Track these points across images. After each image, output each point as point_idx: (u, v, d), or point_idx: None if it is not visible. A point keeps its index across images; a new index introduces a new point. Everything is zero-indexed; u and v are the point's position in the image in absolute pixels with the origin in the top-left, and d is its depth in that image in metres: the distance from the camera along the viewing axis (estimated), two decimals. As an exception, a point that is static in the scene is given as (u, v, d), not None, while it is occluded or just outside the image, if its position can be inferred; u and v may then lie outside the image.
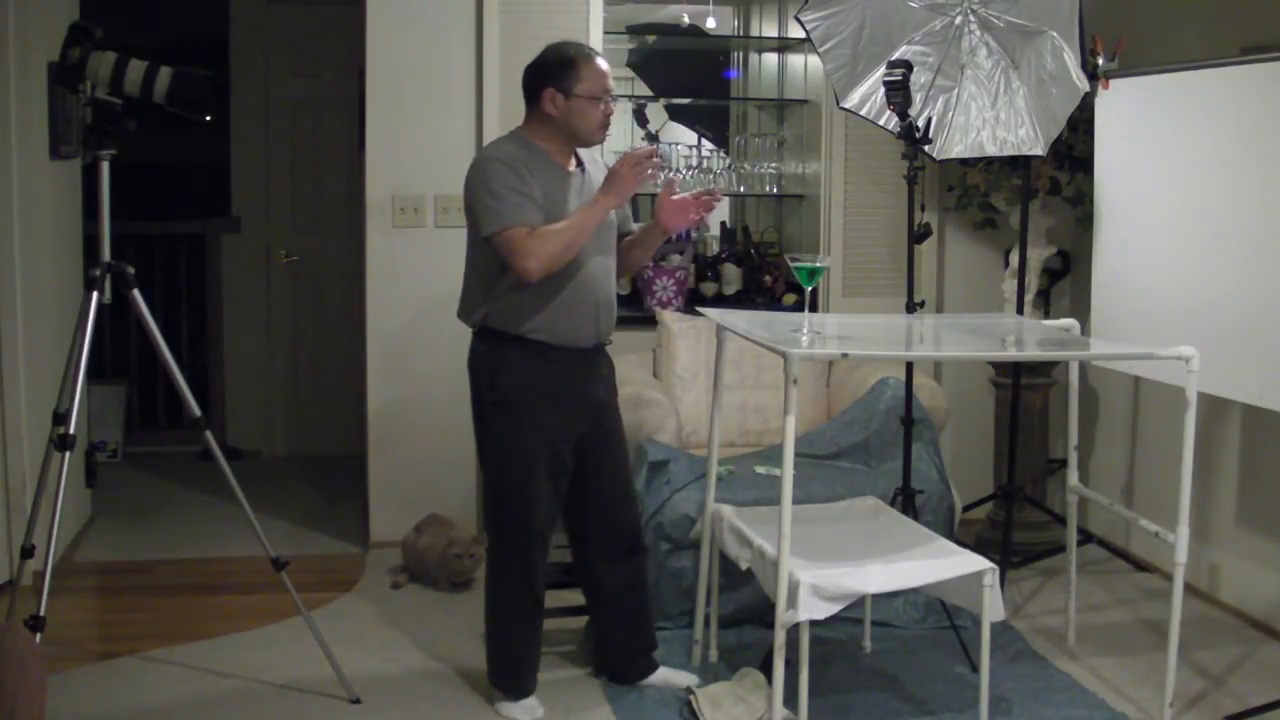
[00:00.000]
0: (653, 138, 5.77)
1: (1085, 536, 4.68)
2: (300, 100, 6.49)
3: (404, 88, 4.90)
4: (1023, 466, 4.79)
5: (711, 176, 5.45)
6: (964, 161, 4.75)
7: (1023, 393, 4.74)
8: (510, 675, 3.58)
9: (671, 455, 4.23)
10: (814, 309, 4.09)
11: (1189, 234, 3.91)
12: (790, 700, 3.22)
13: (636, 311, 5.11)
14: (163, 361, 3.49)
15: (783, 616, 3.11)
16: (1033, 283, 4.89)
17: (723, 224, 5.82)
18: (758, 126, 5.87)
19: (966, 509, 4.79)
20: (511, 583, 3.53)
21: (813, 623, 3.15)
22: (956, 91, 4.32)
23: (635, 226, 3.69)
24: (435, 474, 4.99)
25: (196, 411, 3.54)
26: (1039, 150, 4.27)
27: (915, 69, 4.02)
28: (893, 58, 4.07)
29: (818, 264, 3.55)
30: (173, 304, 6.71)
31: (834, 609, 3.13)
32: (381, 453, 5.04)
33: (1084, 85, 4.12)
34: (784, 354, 3.08)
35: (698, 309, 4.33)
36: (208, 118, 3.46)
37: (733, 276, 5.43)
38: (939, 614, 4.10)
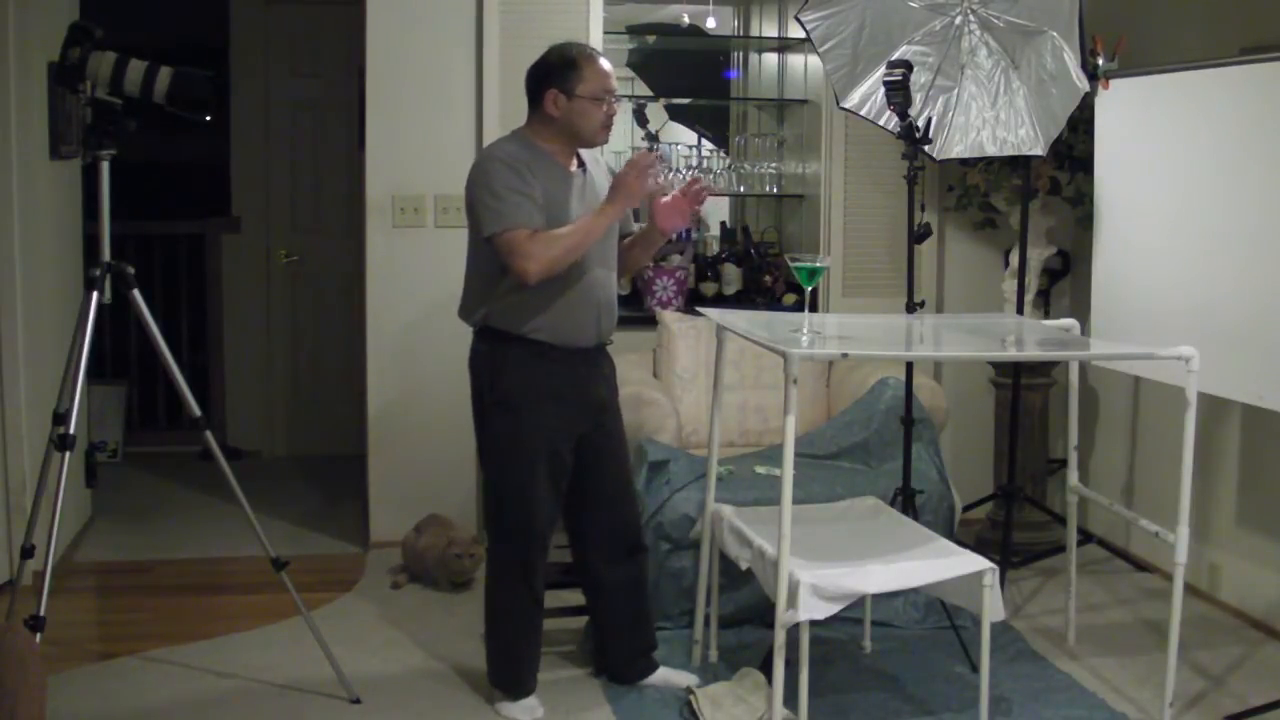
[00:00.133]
0: (653, 138, 5.77)
1: (1085, 536, 4.68)
2: (300, 100, 6.48)
3: (404, 88, 4.90)
4: (1023, 466, 4.79)
5: (711, 176, 5.45)
6: (964, 161, 4.75)
7: (1023, 393, 4.75)
8: (510, 675, 3.58)
9: (671, 455, 4.23)
10: (814, 309, 4.09)
11: (1189, 234, 3.91)
12: (790, 700, 3.22)
13: (636, 311, 5.11)
14: (163, 361, 3.49)
15: (783, 616, 3.11)
16: (1033, 283, 4.89)
17: (723, 224, 5.83)
18: (758, 126, 5.87)
19: (966, 509, 4.79)
20: (511, 583, 3.53)
21: (813, 623, 3.15)
22: (956, 91, 4.32)
23: (636, 227, 3.69)
24: (435, 474, 4.99)
25: (196, 411, 3.54)
26: (1039, 150, 4.27)
27: (915, 69, 4.02)
28: (893, 58, 4.07)
29: (818, 264, 3.55)
30: (173, 304, 6.71)
31: (834, 609, 3.13)
32: (381, 453, 5.04)
33: (1084, 85, 4.13)
34: (784, 354, 3.08)
35: (698, 309, 4.33)
36: (208, 118, 3.46)
37: (733, 276, 5.43)
38: (939, 614, 4.10)
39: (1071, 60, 4.13)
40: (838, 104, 4.47)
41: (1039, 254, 4.90)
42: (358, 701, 3.60)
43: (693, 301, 5.15)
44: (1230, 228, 3.73)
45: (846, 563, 3.27)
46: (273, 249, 6.52)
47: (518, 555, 3.52)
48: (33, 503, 3.49)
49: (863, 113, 4.42)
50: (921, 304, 4.17)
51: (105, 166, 3.34)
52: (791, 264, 3.52)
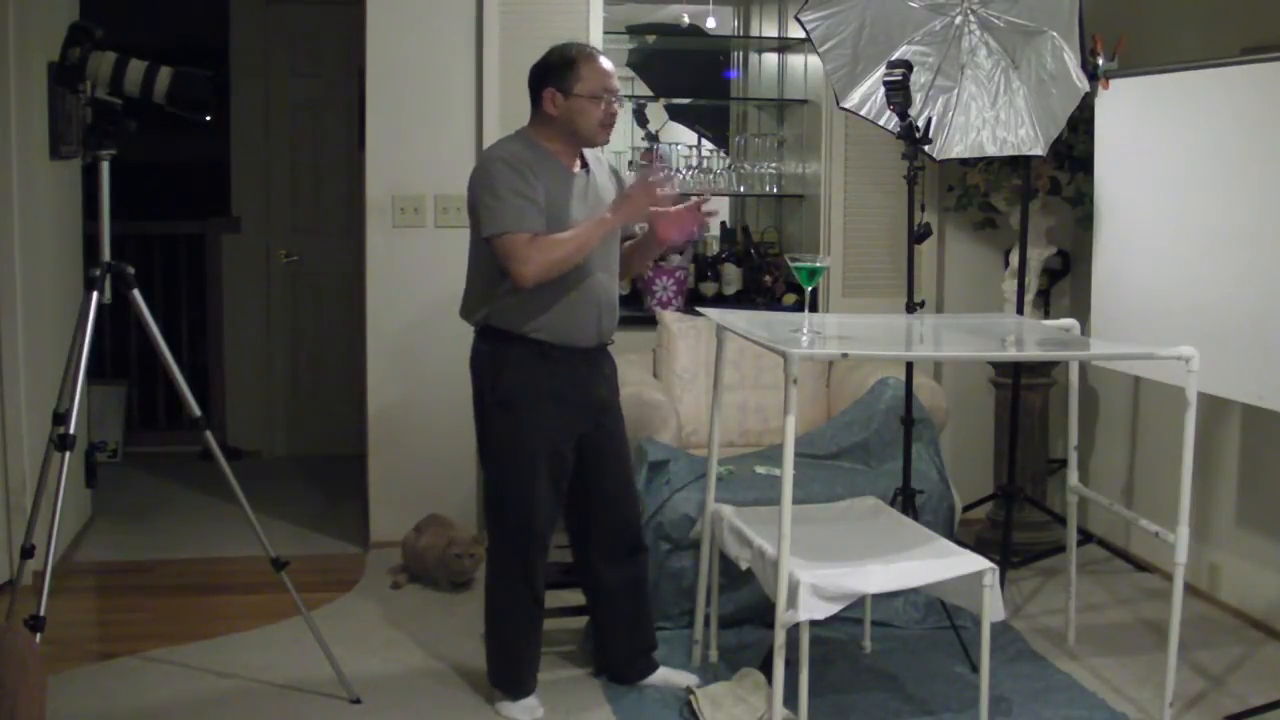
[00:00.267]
0: (653, 138, 5.77)
1: (1085, 536, 4.68)
2: (300, 100, 6.48)
3: (404, 88, 4.90)
4: (1023, 466, 4.79)
5: (711, 176, 5.45)
6: (964, 161, 4.75)
7: (1023, 393, 4.75)
8: (510, 675, 3.59)
9: (671, 455, 4.23)
10: (814, 309, 4.09)
11: (1189, 234, 3.91)
12: (790, 700, 3.22)
13: (636, 311, 5.11)
14: (163, 361, 3.49)
15: (783, 616, 3.11)
16: (1033, 283, 4.89)
17: (723, 224, 5.82)
18: (758, 126, 5.87)
19: (966, 509, 4.79)
20: (511, 582, 3.53)
21: (813, 623, 3.15)
22: (956, 91, 4.32)
23: (638, 229, 3.69)
24: (435, 474, 4.99)
25: (196, 411, 3.54)
26: (1039, 150, 4.27)
27: (915, 69, 4.02)
28: (893, 58, 4.07)
29: (818, 264, 3.55)
30: (173, 304, 6.71)
31: (834, 609, 3.13)
32: (381, 453, 5.04)
33: (1084, 85, 4.13)
34: (784, 354, 3.08)
35: (698, 309, 4.33)
36: (208, 118, 3.46)
37: (733, 276, 5.43)
38: (939, 614, 4.10)
39: (1071, 60, 4.13)
40: (838, 104, 4.47)
41: (1039, 254, 4.90)
42: (358, 701, 3.60)
43: (693, 301, 5.15)
44: (1230, 228, 3.73)
45: (846, 563, 3.27)
46: (273, 249, 6.52)
47: (518, 555, 3.52)
48: (33, 503, 3.49)
49: (863, 113, 4.41)
50: (921, 304, 4.17)
51: (105, 166, 3.34)
52: (791, 264, 3.52)
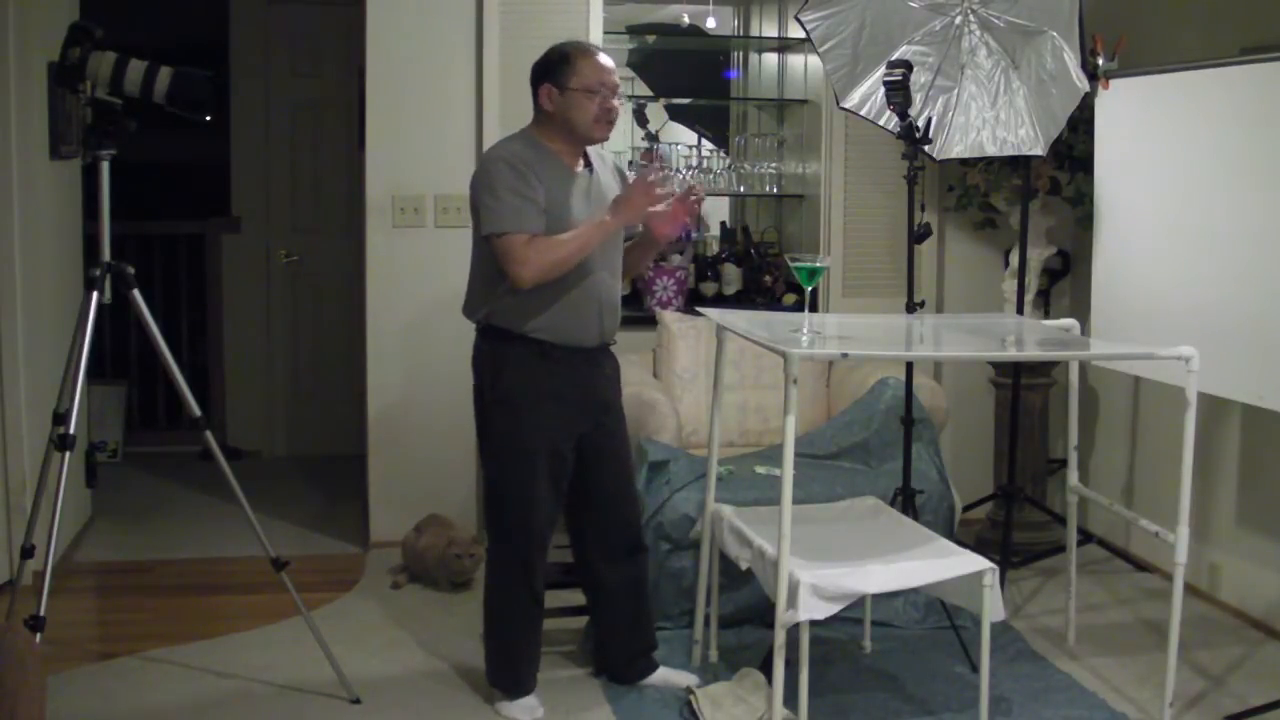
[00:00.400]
0: (653, 138, 5.77)
1: (1085, 536, 4.68)
2: (300, 100, 6.48)
3: (404, 88, 4.90)
4: (1023, 466, 4.79)
5: (711, 176, 5.45)
6: (964, 161, 4.75)
7: (1023, 393, 4.75)
8: (509, 675, 3.59)
9: (671, 455, 4.23)
10: (814, 309, 4.09)
11: (1189, 234, 3.91)
12: (790, 700, 3.22)
13: (636, 311, 5.11)
14: (163, 361, 3.49)
15: (783, 616, 3.11)
16: (1033, 283, 4.89)
17: (723, 224, 5.82)
18: (758, 126, 5.87)
19: (966, 509, 4.79)
20: (511, 582, 3.53)
21: (813, 623, 3.15)
22: (956, 91, 4.32)
23: (639, 228, 3.69)
24: (435, 474, 4.99)
25: (196, 411, 3.54)
26: (1039, 150, 4.27)
27: (915, 69, 4.02)
28: (893, 58, 4.07)
29: (818, 264, 3.55)
30: (173, 304, 6.71)
31: (834, 609, 3.13)
32: (381, 453, 5.04)
33: (1084, 85, 4.13)
34: (784, 354, 3.08)
35: (698, 309, 4.33)
36: (208, 118, 3.46)
37: (733, 276, 5.43)
38: (939, 614, 4.10)
39: (1071, 60, 4.13)
40: (838, 104, 4.47)
41: (1039, 254, 4.90)
42: (358, 701, 3.60)
43: (693, 301, 5.15)
44: (1230, 228, 3.73)
45: (846, 563, 3.27)
46: (273, 249, 6.52)
47: (517, 555, 3.52)
48: (33, 503, 3.49)
49: (863, 113, 4.41)
50: (921, 304, 4.17)
51: (105, 166, 3.34)
52: (791, 264, 3.52)
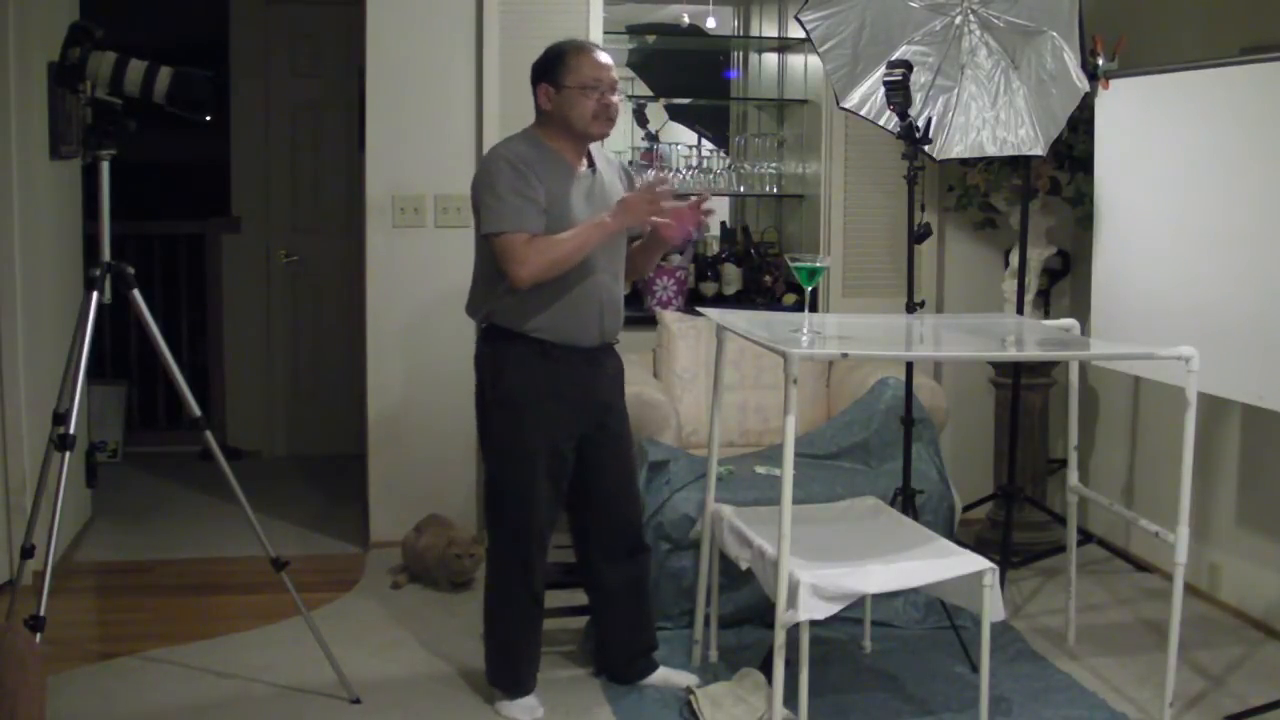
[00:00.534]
0: (653, 138, 5.77)
1: (1085, 536, 4.68)
2: (300, 100, 6.48)
3: (404, 88, 4.90)
4: (1023, 466, 4.79)
5: (711, 176, 5.45)
6: (964, 161, 4.75)
7: (1023, 393, 4.75)
8: (509, 674, 3.59)
9: (671, 455, 4.23)
10: (814, 309, 4.10)
11: (1189, 234, 3.91)
12: (790, 700, 3.22)
13: (636, 311, 5.10)
14: (163, 361, 3.49)
15: (783, 616, 3.11)
16: (1033, 283, 4.89)
17: (723, 224, 5.82)
18: (758, 126, 5.87)
19: (966, 509, 4.79)
20: (510, 582, 3.54)
21: (813, 623, 3.15)
22: (956, 91, 4.32)
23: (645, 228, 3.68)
24: (435, 474, 4.99)
25: (196, 411, 3.54)
26: (1039, 150, 4.27)
27: (915, 69, 4.02)
28: (893, 58, 4.07)
29: (818, 264, 3.55)
30: (173, 304, 6.71)
31: (834, 609, 3.13)
32: (381, 453, 5.04)
33: (1084, 85, 4.13)
34: (784, 354, 3.08)
35: (698, 309, 4.33)
36: (208, 118, 3.46)
37: (733, 276, 5.43)
38: (939, 614, 4.10)
39: (1071, 60, 4.13)
40: (838, 104, 4.47)
41: (1039, 254, 4.90)
42: (358, 701, 3.60)
43: (693, 301, 5.15)
44: (1230, 228, 3.73)
45: (846, 563, 3.27)
46: (273, 249, 6.52)
47: (517, 554, 3.52)
48: (33, 503, 3.50)
49: (863, 113, 4.42)
50: (921, 304, 4.17)
51: (105, 166, 3.35)
52: (791, 264, 3.52)
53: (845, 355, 3.29)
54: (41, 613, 3.15)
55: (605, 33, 4.98)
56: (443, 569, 4.50)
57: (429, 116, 4.92)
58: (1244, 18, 4.21)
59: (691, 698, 3.56)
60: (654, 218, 3.43)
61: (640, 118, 5.75)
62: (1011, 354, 4.24)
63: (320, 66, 6.44)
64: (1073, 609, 4.09)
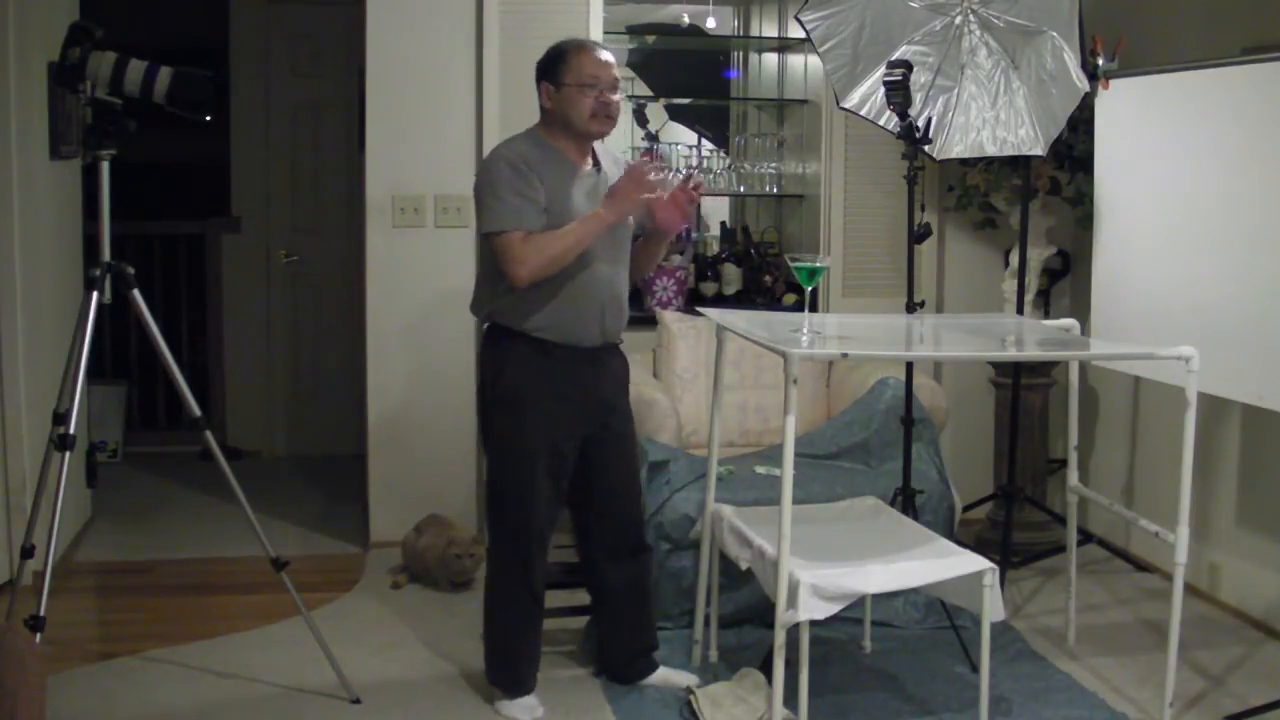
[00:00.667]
0: (653, 138, 5.77)
1: (1085, 536, 4.68)
2: (300, 100, 6.49)
3: (404, 88, 4.90)
4: (1023, 466, 4.79)
5: (711, 176, 5.45)
6: (964, 161, 4.75)
7: (1023, 393, 4.75)
8: (509, 674, 3.59)
9: (671, 455, 4.23)
10: (814, 309, 4.10)
11: (1189, 234, 3.91)
12: (790, 700, 3.22)
13: (637, 311, 5.04)
14: (163, 361, 3.49)
15: (783, 616, 3.11)
16: (1033, 283, 4.89)
17: (723, 224, 5.83)
18: (758, 126, 5.87)
19: (966, 509, 4.79)
20: (510, 581, 3.54)
21: (813, 623, 3.15)
22: (956, 91, 4.32)
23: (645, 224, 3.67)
24: (435, 474, 4.99)
25: (196, 411, 3.54)
26: (1039, 150, 4.27)
27: (915, 69, 4.02)
28: (893, 58, 4.07)
29: (818, 264, 3.55)
30: (173, 304, 6.71)
31: (834, 609, 3.13)
32: (381, 453, 5.04)
33: (1084, 85, 4.13)
34: (784, 354, 3.07)
35: (698, 309, 4.33)
36: (208, 118, 3.46)
37: (733, 276, 5.43)
38: (939, 614, 4.10)
39: (1071, 60, 4.13)
40: (838, 104, 4.47)
41: (1039, 254, 4.90)
42: (358, 701, 3.60)
43: (693, 301, 5.15)
44: (1230, 227, 3.73)
45: (846, 563, 3.27)
46: (273, 249, 6.52)
47: (517, 553, 3.52)
48: (33, 503, 3.50)
49: (863, 113, 4.41)
50: (921, 304, 4.17)
51: (105, 166, 3.34)
52: (791, 264, 3.52)
53: (845, 355, 3.29)
54: (41, 613, 3.15)
55: (605, 33, 4.98)
56: (443, 569, 4.50)
57: (429, 116, 4.92)
58: (1244, 18, 4.21)
59: (691, 698, 3.56)
60: (646, 197, 3.39)
61: (640, 118, 5.75)
62: (1011, 354, 4.24)
63: (320, 66, 6.44)
64: (1073, 609, 4.09)
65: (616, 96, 3.46)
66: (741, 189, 5.58)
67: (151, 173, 6.71)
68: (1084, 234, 4.78)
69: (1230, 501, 4.42)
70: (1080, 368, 4.24)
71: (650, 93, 5.81)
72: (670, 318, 4.92)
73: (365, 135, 4.95)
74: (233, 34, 6.48)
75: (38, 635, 3.07)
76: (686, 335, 4.81)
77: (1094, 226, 4.42)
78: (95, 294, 3.31)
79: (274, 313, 6.58)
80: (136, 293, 3.41)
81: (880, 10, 4.33)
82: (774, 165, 5.57)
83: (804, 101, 5.49)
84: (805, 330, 3.42)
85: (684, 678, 3.71)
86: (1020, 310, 4.65)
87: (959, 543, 3.62)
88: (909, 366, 4.20)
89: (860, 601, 3.61)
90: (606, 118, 3.45)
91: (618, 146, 5.04)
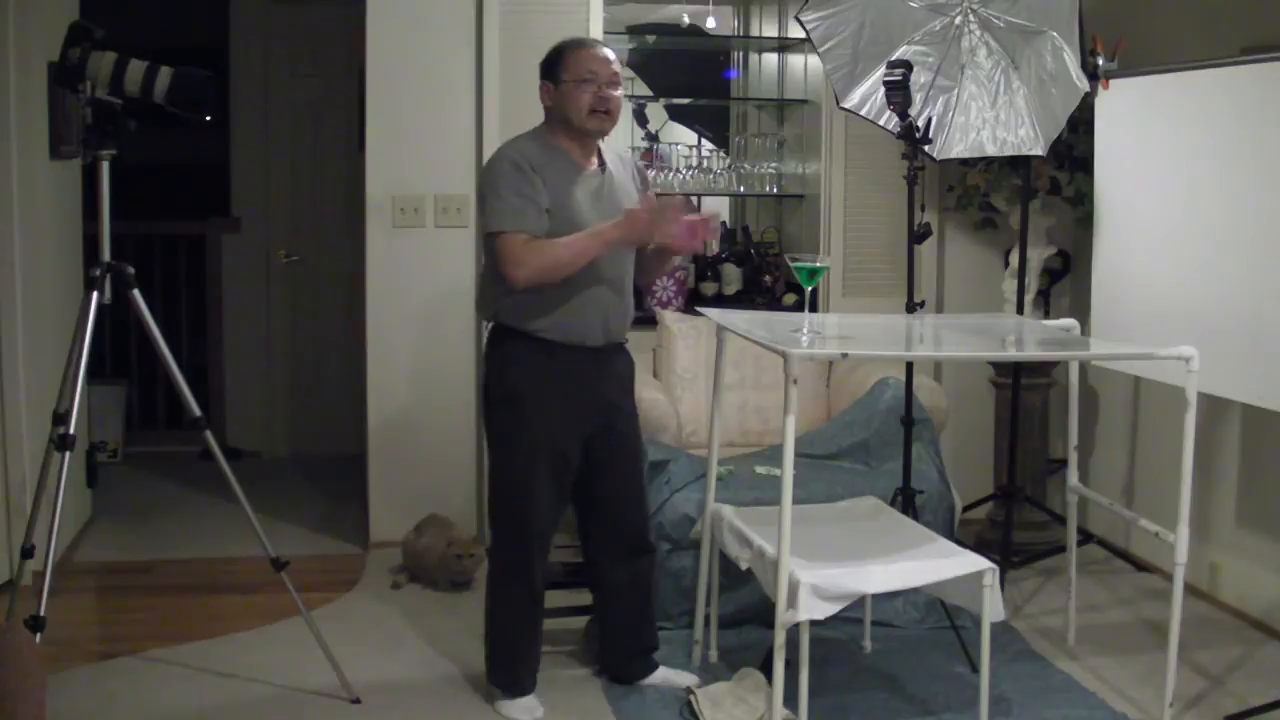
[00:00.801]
0: (653, 138, 5.77)
1: (1085, 536, 4.68)
2: (300, 100, 6.49)
3: (404, 88, 4.89)
4: (1023, 466, 4.79)
5: (711, 176, 5.46)
6: (964, 161, 4.75)
7: (1023, 393, 4.75)
8: (509, 673, 3.58)
9: (671, 455, 4.23)
10: (814, 309, 4.09)
11: (1189, 234, 3.91)
12: (790, 700, 3.22)
13: (636, 311, 5.07)
14: (163, 361, 3.49)
15: (783, 616, 3.11)
16: (1033, 283, 4.89)
17: (723, 224, 5.82)
18: (758, 126, 5.87)
19: (966, 509, 4.79)
20: (511, 580, 3.54)
21: (813, 623, 3.15)
22: (956, 91, 4.32)
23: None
24: (435, 474, 4.99)
25: (196, 411, 3.54)
26: (1039, 150, 4.27)
27: (915, 69, 4.02)
28: (893, 58, 4.07)
29: (818, 264, 3.55)
30: (173, 304, 6.71)
31: (834, 609, 3.13)
32: (381, 453, 5.04)
33: (1084, 85, 4.13)
34: (784, 354, 3.07)
35: (698, 309, 4.33)
36: (208, 118, 3.46)
37: (733, 276, 5.43)
38: (939, 614, 4.10)
39: (1071, 60, 4.13)
40: (838, 104, 4.46)
41: (1039, 254, 4.90)
42: (358, 701, 3.60)
43: (693, 301, 5.15)
44: (1230, 227, 3.73)
45: (846, 563, 3.27)
46: (273, 249, 6.52)
47: (517, 553, 3.51)
48: (33, 503, 3.50)
49: (863, 113, 4.41)
50: (921, 304, 4.17)
51: (105, 166, 3.34)
52: (791, 264, 3.52)
53: (845, 355, 3.29)
54: (41, 613, 3.15)
55: (605, 33, 4.97)
56: (443, 569, 4.50)
57: (429, 116, 4.91)
58: (1244, 18, 4.21)
59: (691, 698, 3.56)
60: (659, 234, 3.40)
61: (640, 118, 5.76)
62: (1011, 354, 4.24)
63: (320, 66, 6.44)
64: (1073, 609, 4.09)
65: (616, 93, 3.46)
66: (741, 189, 5.58)
67: (151, 173, 6.71)
68: (1084, 234, 4.78)
69: (1230, 501, 4.42)
70: (1080, 368, 4.24)
71: (650, 93, 5.81)
72: (670, 318, 4.92)
73: (365, 135, 4.95)
74: (233, 34, 6.48)
75: (38, 635, 3.08)
76: (686, 335, 4.81)
77: (1094, 226, 4.42)
78: (95, 294, 3.32)
79: (274, 313, 6.58)
80: (136, 293, 3.41)
81: (880, 10, 4.33)
82: (774, 165, 5.57)
83: (804, 101, 5.49)
84: (805, 330, 3.42)
85: (684, 678, 3.71)
86: (1020, 310, 4.65)
87: (959, 543, 3.62)
88: (909, 366, 4.20)
89: (860, 601, 3.62)
90: (605, 114, 3.45)
91: (618, 146, 5.06)
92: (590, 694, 3.69)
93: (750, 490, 4.05)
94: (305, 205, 6.56)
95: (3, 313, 4.41)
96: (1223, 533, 4.45)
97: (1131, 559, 4.83)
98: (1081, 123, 4.48)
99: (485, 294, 3.57)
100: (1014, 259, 4.80)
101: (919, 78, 4.18)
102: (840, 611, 3.16)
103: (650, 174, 5.11)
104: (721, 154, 5.69)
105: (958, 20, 4.31)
